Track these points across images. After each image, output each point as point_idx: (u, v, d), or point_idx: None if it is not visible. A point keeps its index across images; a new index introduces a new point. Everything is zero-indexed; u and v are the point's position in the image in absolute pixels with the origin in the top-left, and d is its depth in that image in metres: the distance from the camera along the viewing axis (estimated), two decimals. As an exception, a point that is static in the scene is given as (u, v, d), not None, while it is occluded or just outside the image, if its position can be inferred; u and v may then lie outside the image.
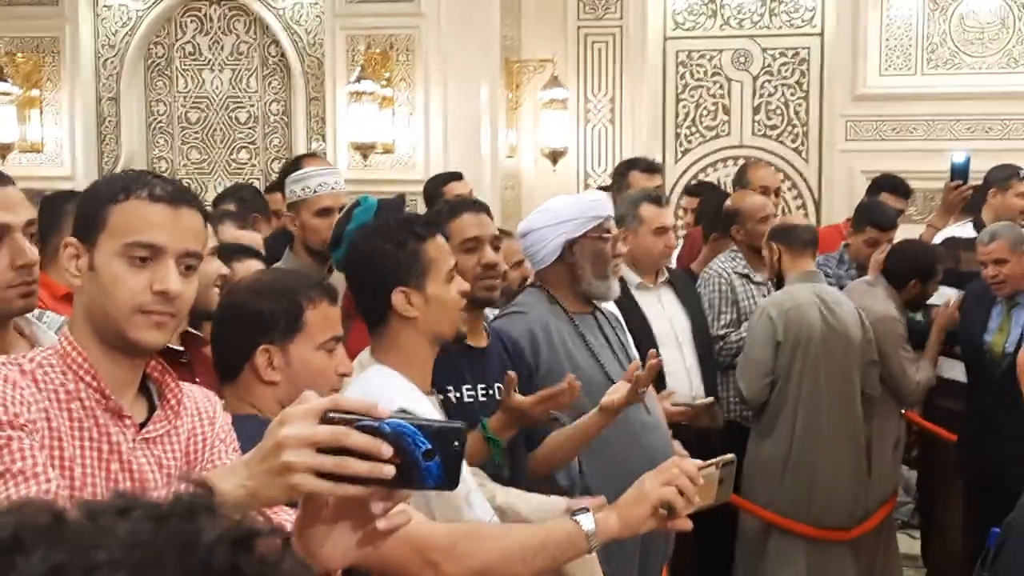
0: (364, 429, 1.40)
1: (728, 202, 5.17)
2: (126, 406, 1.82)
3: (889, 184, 6.01)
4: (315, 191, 3.95)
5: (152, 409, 1.89)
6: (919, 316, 5.16)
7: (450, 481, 1.43)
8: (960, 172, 5.38)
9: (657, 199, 4.38)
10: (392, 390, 2.51)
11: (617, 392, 3.08)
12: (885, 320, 4.69)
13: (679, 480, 1.96)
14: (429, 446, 1.41)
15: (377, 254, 2.67)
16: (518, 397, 2.84)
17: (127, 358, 1.82)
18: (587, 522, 1.94)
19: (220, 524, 0.67)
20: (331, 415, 1.42)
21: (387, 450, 1.39)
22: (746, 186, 5.54)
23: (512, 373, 2.87)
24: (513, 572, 2.00)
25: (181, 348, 2.83)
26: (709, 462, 2.12)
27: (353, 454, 1.40)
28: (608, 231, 3.56)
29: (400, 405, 2.37)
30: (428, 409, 2.53)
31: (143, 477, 1.81)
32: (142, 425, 1.85)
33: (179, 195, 1.81)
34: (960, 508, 5.05)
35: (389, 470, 1.39)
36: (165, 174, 2.20)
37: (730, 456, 2.20)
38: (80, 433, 1.76)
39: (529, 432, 3.13)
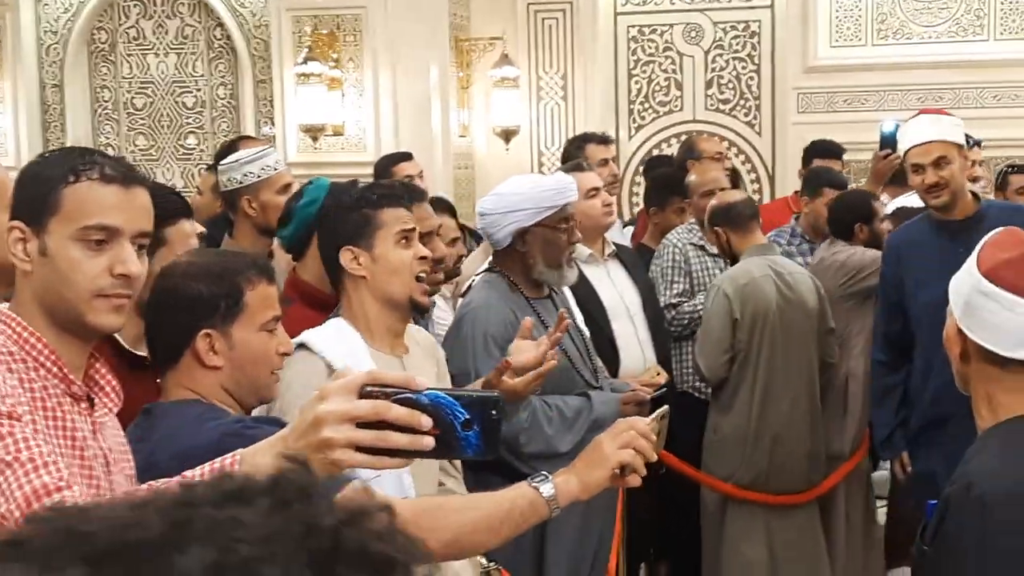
0: (402, 401, 1.43)
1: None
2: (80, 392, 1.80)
3: (822, 148, 6.14)
4: (274, 168, 3.97)
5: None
6: None
7: (489, 449, 1.46)
8: (889, 140, 5.38)
9: (578, 166, 4.35)
10: (323, 337, 2.66)
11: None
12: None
13: (636, 441, 2.02)
14: (467, 416, 1.44)
15: (329, 217, 2.85)
16: (509, 381, 2.88)
17: (80, 342, 1.79)
18: (547, 488, 1.99)
19: (334, 505, 0.66)
20: (369, 389, 1.44)
21: (426, 421, 1.41)
22: (699, 158, 5.53)
23: (507, 359, 2.93)
24: (480, 541, 2.05)
25: (146, 355, 2.77)
26: (651, 418, 2.19)
27: (392, 427, 1.42)
28: (566, 219, 3.50)
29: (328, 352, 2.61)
30: (368, 363, 2.56)
31: (108, 465, 1.80)
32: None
33: (130, 175, 1.78)
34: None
35: (429, 441, 1.42)
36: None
37: (664, 408, 2.31)
38: (54, 423, 1.73)
39: None
